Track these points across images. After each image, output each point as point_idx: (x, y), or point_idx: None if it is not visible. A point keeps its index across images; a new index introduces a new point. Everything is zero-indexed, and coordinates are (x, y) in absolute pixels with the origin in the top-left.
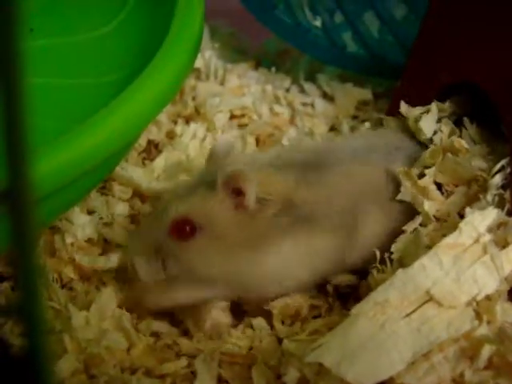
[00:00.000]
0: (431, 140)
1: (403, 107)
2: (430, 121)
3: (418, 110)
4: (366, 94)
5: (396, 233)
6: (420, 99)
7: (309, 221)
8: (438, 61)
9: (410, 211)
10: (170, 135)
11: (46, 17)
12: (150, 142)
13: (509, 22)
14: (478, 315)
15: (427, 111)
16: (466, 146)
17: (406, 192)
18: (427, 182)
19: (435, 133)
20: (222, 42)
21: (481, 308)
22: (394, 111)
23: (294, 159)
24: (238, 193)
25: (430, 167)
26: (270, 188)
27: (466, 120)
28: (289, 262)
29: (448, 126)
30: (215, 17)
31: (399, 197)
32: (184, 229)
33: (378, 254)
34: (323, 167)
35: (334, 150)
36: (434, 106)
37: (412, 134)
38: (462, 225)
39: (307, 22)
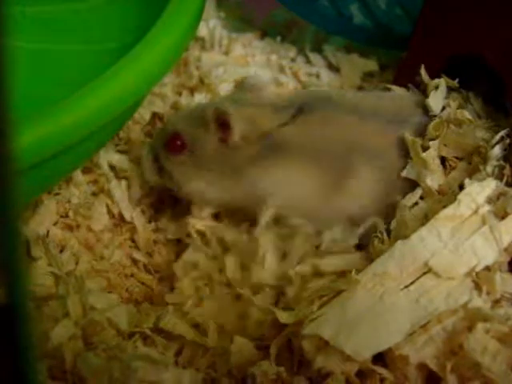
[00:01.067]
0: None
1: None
2: (438, 97)
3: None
4: (371, 64)
5: (391, 196)
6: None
7: (285, 153)
8: (443, 32)
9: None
10: (175, 107)
11: None
12: (154, 114)
13: None
14: (478, 286)
15: (436, 87)
16: (469, 117)
17: (411, 167)
18: (431, 155)
19: (443, 108)
20: (227, 11)
21: (480, 279)
22: (399, 82)
23: (293, 101)
24: (225, 127)
25: (434, 139)
26: (254, 126)
27: (471, 95)
28: (262, 190)
29: (456, 101)
30: None
31: (404, 174)
32: (175, 143)
33: (380, 223)
34: (316, 112)
35: (335, 99)
36: (442, 82)
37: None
38: (460, 196)
39: None
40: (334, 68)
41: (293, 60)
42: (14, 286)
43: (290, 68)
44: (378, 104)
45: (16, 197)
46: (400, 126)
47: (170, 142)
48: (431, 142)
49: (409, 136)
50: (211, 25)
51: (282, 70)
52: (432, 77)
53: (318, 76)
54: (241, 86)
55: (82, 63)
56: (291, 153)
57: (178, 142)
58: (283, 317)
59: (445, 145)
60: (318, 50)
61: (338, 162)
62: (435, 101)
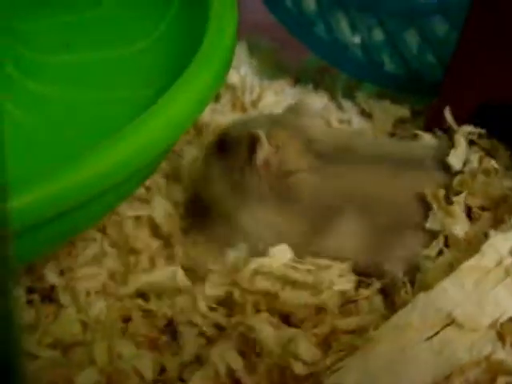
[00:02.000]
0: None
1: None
2: (458, 154)
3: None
4: (403, 111)
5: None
6: (454, 117)
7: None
8: (474, 79)
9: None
10: None
11: (84, 32)
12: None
13: None
14: (501, 338)
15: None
16: (495, 166)
17: (435, 218)
18: (457, 206)
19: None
20: (260, 58)
21: (504, 330)
22: (429, 128)
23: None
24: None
25: (459, 193)
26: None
27: (497, 143)
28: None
29: (477, 154)
30: (257, 32)
31: (428, 225)
32: (220, 143)
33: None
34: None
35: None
36: (461, 141)
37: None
38: (484, 247)
39: (345, 39)
40: (366, 114)
41: (325, 107)
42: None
43: (321, 114)
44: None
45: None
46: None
47: (217, 140)
48: (456, 197)
49: (428, 190)
50: (242, 72)
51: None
52: (461, 124)
53: (349, 122)
54: (291, 108)
55: (112, 110)
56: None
57: (221, 144)
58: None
59: (470, 194)
60: (350, 96)
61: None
62: (455, 158)
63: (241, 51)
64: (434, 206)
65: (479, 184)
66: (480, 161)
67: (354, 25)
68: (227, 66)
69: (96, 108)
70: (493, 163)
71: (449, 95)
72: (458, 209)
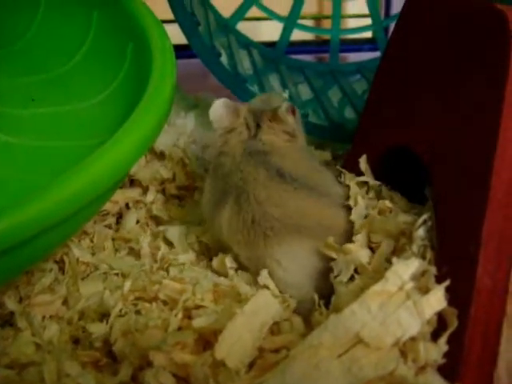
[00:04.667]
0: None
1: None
2: (358, 211)
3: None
4: (326, 154)
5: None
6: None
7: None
8: (380, 126)
9: None
10: None
11: (48, 88)
12: None
13: (450, 94)
14: (404, 355)
15: (355, 203)
16: (389, 205)
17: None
18: (359, 244)
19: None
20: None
21: (406, 348)
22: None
23: None
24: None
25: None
26: None
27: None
28: None
29: (374, 201)
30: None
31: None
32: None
33: (316, 297)
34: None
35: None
36: (360, 199)
37: None
38: (388, 274)
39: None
40: None
41: None
42: None
43: None
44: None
45: None
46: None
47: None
48: (356, 237)
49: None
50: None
51: None
52: (372, 165)
53: None
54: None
55: (72, 157)
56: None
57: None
58: None
59: (371, 232)
60: None
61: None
62: (355, 216)
63: (187, 105)
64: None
65: (378, 223)
66: (377, 204)
67: (283, 83)
68: (164, 118)
69: (52, 155)
70: (386, 203)
71: (360, 143)
72: (362, 247)
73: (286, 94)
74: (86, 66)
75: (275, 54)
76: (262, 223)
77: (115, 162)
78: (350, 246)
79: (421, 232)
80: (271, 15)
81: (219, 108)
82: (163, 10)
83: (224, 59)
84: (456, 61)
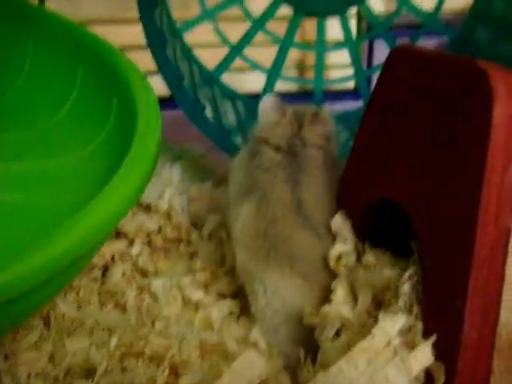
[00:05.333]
0: None
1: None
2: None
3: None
4: None
5: None
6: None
7: None
8: (364, 179)
9: None
10: None
11: (33, 144)
12: None
13: (433, 148)
14: None
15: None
16: (373, 261)
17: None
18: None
19: None
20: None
21: None
22: None
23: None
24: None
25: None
26: None
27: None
28: None
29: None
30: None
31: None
32: None
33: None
34: None
35: None
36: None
37: None
38: (374, 330)
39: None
40: None
41: None
42: None
43: None
44: None
45: None
46: None
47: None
48: (339, 291)
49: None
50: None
51: None
52: (354, 219)
53: None
54: None
55: (57, 213)
56: None
57: None
58: None
59: (357, 287)
60: None
61: None
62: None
63: (173, 156)
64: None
65: (362, 277)
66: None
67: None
68: (150, 174)
69: (36, 211)
70: (370, 259)
71: (344, 195)
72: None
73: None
74: (71, 121)
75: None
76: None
77: (103, 220)
78: (329, 307)
79: (406, 287)
80: (254, 66)
81: (268, 103)
82: (148, 61)
83: (208, 112)
84: (438, 115)
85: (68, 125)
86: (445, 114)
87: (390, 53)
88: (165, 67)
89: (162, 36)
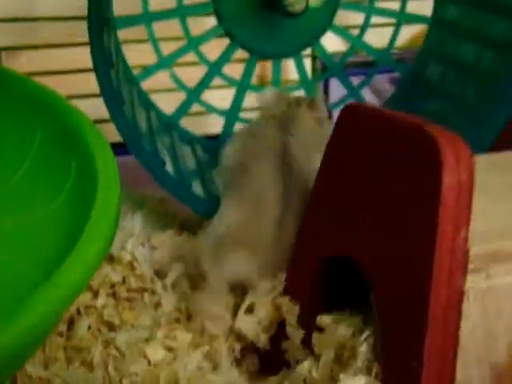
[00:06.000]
0: None
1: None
2: None
3: None
4: None
5: None
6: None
7: None
8: (320, 235)
9: None
10: None
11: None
12: None
13: (385, 208)
14: None
15: None
16: (329, 321)
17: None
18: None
19: None
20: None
21: None
22: None
23: None
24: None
25: None
26: None
27: None
28: None
29: None
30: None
31: None
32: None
33: None
34: None
35: None
36: None
37: None
38: None
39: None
40: None
41: None
42: None
43: None
44: None
45: None
46: None
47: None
48: None
49: None
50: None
51: None
52: (309, 276)
53: None
54: None
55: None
56: None
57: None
58: None
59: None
60: None
61: None
62: None
63: (134, 204)
64: None
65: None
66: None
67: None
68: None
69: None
70: (326, 320)
71: (300, 250)
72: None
73: None
74: (30, 181)
75: (218, 147)
76: None
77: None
78: None
79: (364, 347)
80: (211, 110)
81: (267, 97)
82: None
83: (169, 166)
84: (390, 176)
85: (27, 184)
86: (396, 176)
87: (341, 111)
88: (123, 125)
89: (119, 90)
